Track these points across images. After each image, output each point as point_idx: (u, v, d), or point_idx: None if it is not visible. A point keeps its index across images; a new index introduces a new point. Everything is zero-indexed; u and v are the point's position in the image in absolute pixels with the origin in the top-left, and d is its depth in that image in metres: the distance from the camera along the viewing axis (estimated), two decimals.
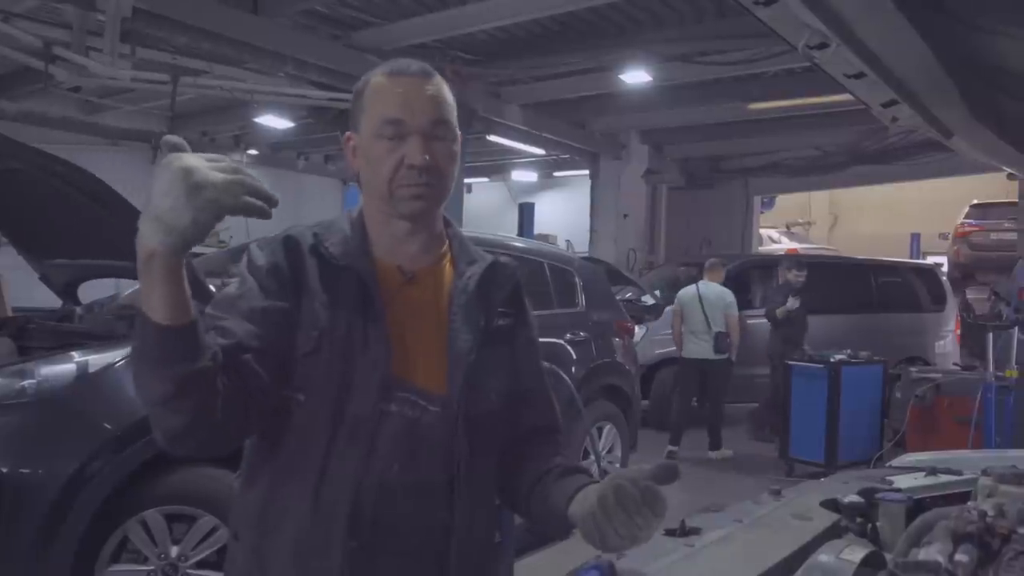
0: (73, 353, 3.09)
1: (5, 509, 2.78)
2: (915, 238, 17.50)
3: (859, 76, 1.79)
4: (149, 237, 0.96)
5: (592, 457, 5.10)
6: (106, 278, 4.28)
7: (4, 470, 2.80)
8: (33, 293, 4.80)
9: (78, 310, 4.20)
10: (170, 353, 1.02)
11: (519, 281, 1.39)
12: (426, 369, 1.25)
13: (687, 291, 7.25)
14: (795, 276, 7.53)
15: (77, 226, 3.71)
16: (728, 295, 7.17)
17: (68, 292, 4.30)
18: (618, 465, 5.49)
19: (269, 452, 1.22)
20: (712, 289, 7.17)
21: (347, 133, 1.30)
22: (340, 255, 1.24)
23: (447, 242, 1.35)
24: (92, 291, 4.43)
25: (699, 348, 7.06)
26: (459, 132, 1.30)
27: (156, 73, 7.78)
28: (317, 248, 1.24)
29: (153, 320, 1.00)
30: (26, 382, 2.95)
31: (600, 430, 5.33)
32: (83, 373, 2.97)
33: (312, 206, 13.31)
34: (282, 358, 1.19)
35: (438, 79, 1.28)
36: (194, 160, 0.96)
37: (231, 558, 1.29)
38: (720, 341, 7.00)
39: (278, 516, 1.20)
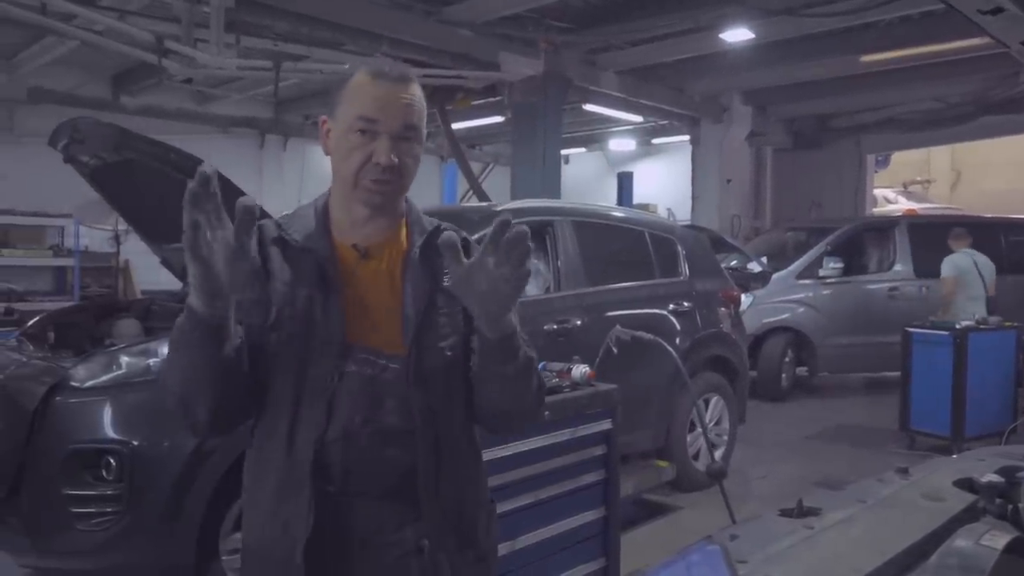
0: None
1: (138, 481, 2.97)
2: None
3: (996, 12, 1.60)
4: None
5: (699, 429, 5.00)
6: None
7: (135, 443, 2.99)
8: (158, 276, 5.08)
9: None
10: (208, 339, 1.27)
11: (459, 242, 1.48)
12: (386, 332, 1.41)
13: (963, 260, 7.60)
14: None
15: None
16: (991, 262, 7.71)
17: (187, 275, 4.53)
18: (725, 437, 5.36)
19: (258, 417, 1.43)
20: (981, 257, 7.66)
21: (323, 116, 1.45)
22: (301, 239, 1.42)
23: (404, 217, 1.49)
24: None
25: (980, 310, 7.34)
26: (425, 133, 1.45)
27: (259, 60, 8.04)
28: (281, 236, 1.43)
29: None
30: (151, 360, 3.13)
31: (707, 402, 5.21)
32: None
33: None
34: (262, 337, 1.39)
35: (415, 86, 1.44)
36: None
37: (242, 507, 1.49)
38: (993, 303, 7.49)
39: (263, 469, 1.41)
